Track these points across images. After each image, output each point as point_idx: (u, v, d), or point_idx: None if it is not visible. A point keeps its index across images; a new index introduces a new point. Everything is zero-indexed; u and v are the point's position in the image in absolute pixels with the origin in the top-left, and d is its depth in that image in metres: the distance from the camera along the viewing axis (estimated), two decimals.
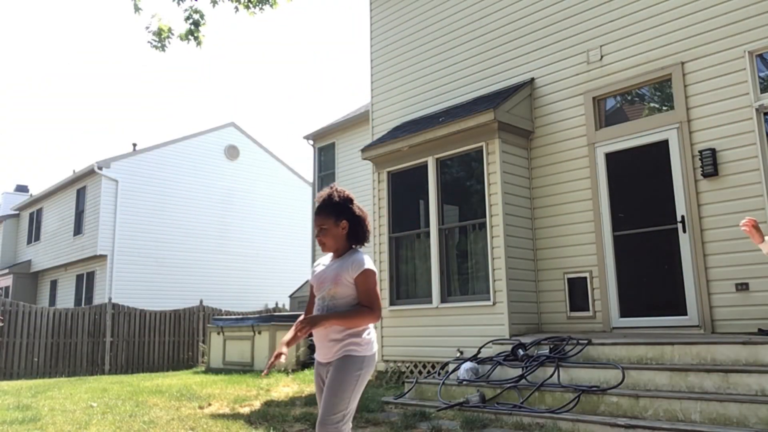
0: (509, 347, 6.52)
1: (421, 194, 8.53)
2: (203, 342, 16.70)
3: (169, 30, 7.29)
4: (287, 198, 25.33)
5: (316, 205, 3.11)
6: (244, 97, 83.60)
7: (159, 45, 7.23)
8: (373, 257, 9.04)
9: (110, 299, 17.30)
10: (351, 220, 3.05)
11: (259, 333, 11.65)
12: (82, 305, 19.77)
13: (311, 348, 11.38)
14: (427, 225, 8.35)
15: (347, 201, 3.06)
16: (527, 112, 8.04)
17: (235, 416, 6.22)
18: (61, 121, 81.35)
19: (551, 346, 6.23)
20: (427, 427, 5.20)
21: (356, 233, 3.07)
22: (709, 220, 6.40)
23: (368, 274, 2.94)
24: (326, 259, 3.16)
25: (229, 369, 11.96)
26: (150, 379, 11.32)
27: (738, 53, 6.36)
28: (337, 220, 3.02)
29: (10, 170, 68.62)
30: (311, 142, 17.47)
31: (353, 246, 3.09)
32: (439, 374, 7.15)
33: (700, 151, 6.50)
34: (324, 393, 2.88)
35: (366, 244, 3.14)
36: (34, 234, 26.05)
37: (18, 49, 77.75)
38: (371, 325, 3.02)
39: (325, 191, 3.11)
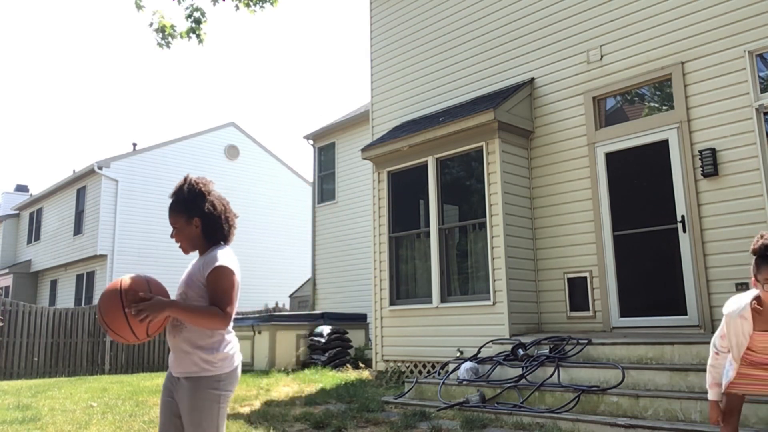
0: (509, 347, 6.52)
1: (421, 194, 8.53)
2: None
3: (172, 27, 7.28)
4: (287, 198, 25.32)
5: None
6: (244, 97, 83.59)
7: (164, 43, 7.24)
8: (372, 257, 9.05)
9: None
10: (203, 218, 2.64)
11: (259, 333, 11.64)
12: (82, 305, 19.77)
13: (311, 348, 11.37)
14: (427, 225, 8.35)
15: (198, 196, 2.66)
16: (527, 112, 8.04)
17: (235, 416, 6.22)
18: (61, 121, 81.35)
19: (551, 346, 6.23)
20: (427, 426, 5.20)
21: (210, 232, 2.65)
22: (709, 220, 6.40)
23: (221, 271, 2.51)
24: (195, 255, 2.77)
25: None
26: (150, 378, 11.31)
27: (738, 53, 6.36)
28: (188, 219, 2.63)
29: (10, 170, 68.65)
30: (311, 141, 17.46)
31: (220, 243, 2.69)
32: (439, 374, 7.15)
33: (700, 151, 6.50)
34: (186, 428, 2.51)
35: (229, 242, 2.72)
36: (34, 234, 26.05)
37: (18, 48, 77.77)
38: (232, 339, 2.62)
39: (177, 184, 2.70)
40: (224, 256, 2.57)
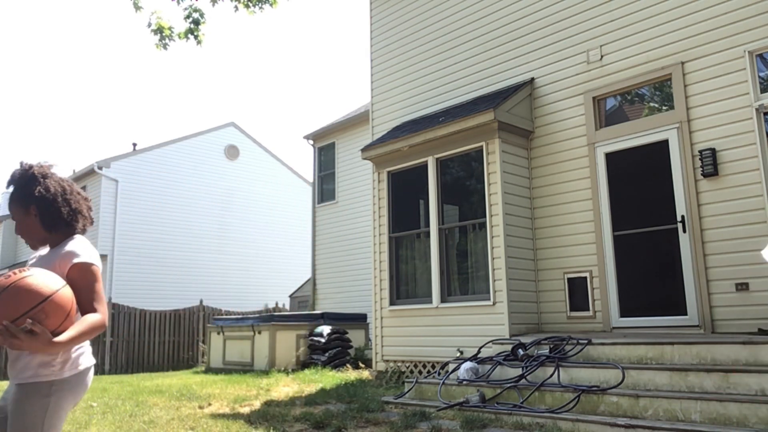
0: (509, 347, 6.52)
1: (421, 194, 8.53)
2: (203, 342, 16.70)
3: (170, 28, 7.30)
4: (287, 198, 25.33)
5: None
6: (244, 97, 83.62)
7: (162, 44, 7.25)
8: (372, 257, 9.05)
9: (110, 299, 17.30)
10: (37, 203, 2.32)
11: (259, 333, 11.64)
12: None
13: (311, 348, 11.37)
14: (427, 225, 8.35)
15: (31, 180, 2.33)
16: (527, 112, 8.04)
17: (235, 416, 6.22)
18: (61, 121, 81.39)
19: (551, 346, 6.22)
20: (427, 426, 5.19)
21: (47, 219, 2.33)
22: (709, 220, 6.40)
23: (84, 267, 2.22)
24: (45, 250, 2.47)
25: (229, 369, 11.96)
26: (150, 378, 11.32)
27: (738, 53, 6.36)
28: (25, 208, 2.34)
29: (11, 170, 68.64)
30: (311, 141, 17.46)
31: (74, 234, 2.39)
32: (439, 374, 7.15)
33: (700, 151, 6.50)
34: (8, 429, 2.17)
35: (80, 229, 2.42)
36: None
37: (18, 49, 77.80)
38: None
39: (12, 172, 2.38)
40: (81, 249, 2.29)
